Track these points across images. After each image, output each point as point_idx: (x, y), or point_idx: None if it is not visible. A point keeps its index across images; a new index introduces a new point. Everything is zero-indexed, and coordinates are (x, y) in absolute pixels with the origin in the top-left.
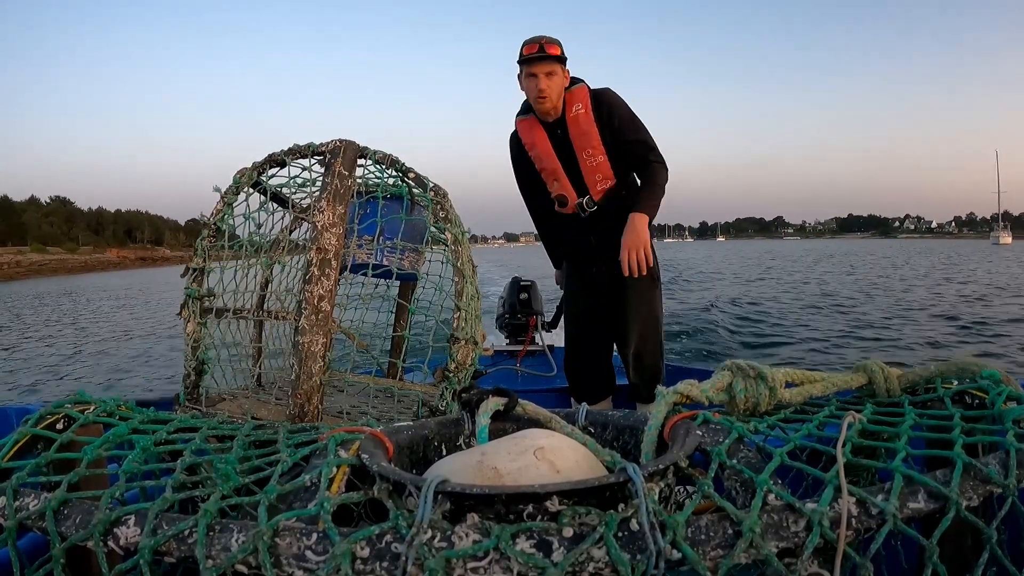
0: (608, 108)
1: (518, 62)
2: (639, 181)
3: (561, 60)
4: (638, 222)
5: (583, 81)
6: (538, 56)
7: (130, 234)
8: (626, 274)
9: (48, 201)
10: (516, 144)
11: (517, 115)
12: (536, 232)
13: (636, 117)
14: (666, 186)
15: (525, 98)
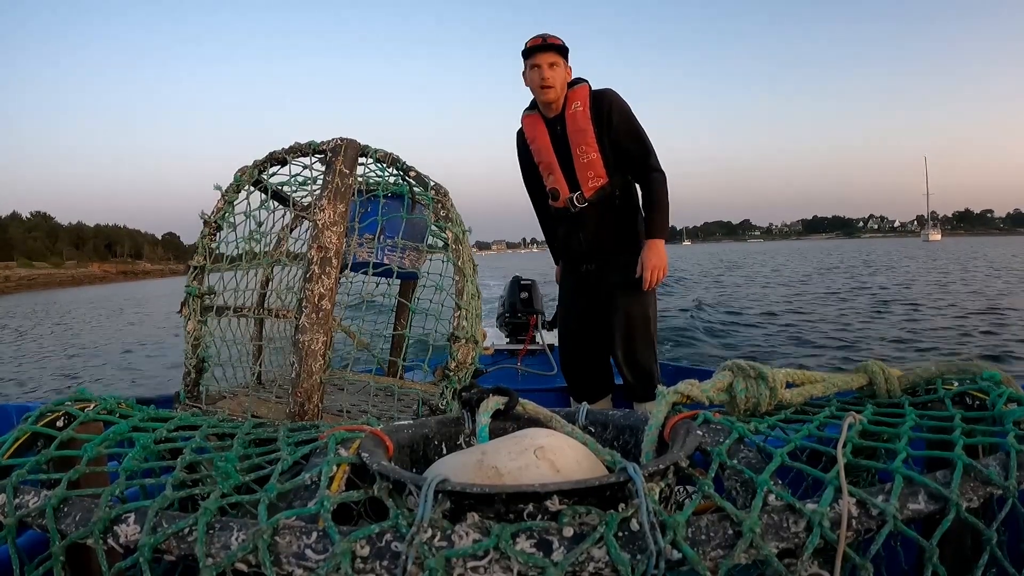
0: (608, 108)
1: (522, 54)
2: (640, 196)
3: (563, 51)
4: (659, 246)
5: (585, 81)
6: (541, 46)
7: (110, 248)
8: (645, 287)
9: (29, 216)
10: (520, 138)
11: (524, 111)
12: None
13: (635, 120)
14: (668, 195)
15: (533, 98)
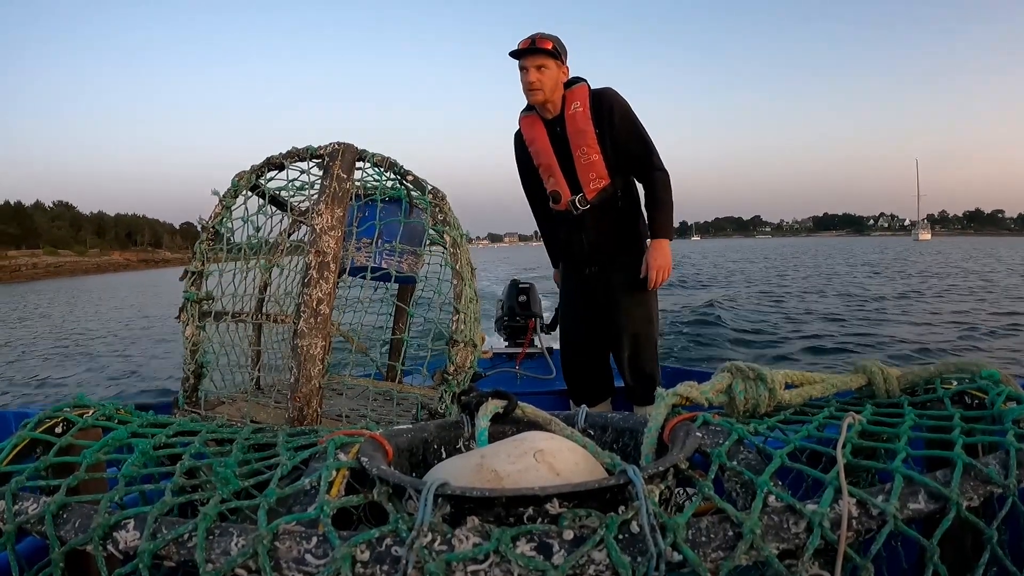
0: (609, 108)
1: (510, 55)
2: (643, 195)
3: (553, 54)
4: (664, 246)
5: (584, 80)
6: (527, 49)
7: (130, 237)
8: (650, 287)
9: (52, 206)
10: (518, 140)
11: (521, 112)
12: (521, 234)
13: (636, 119)
14: (672, 194)
15: None
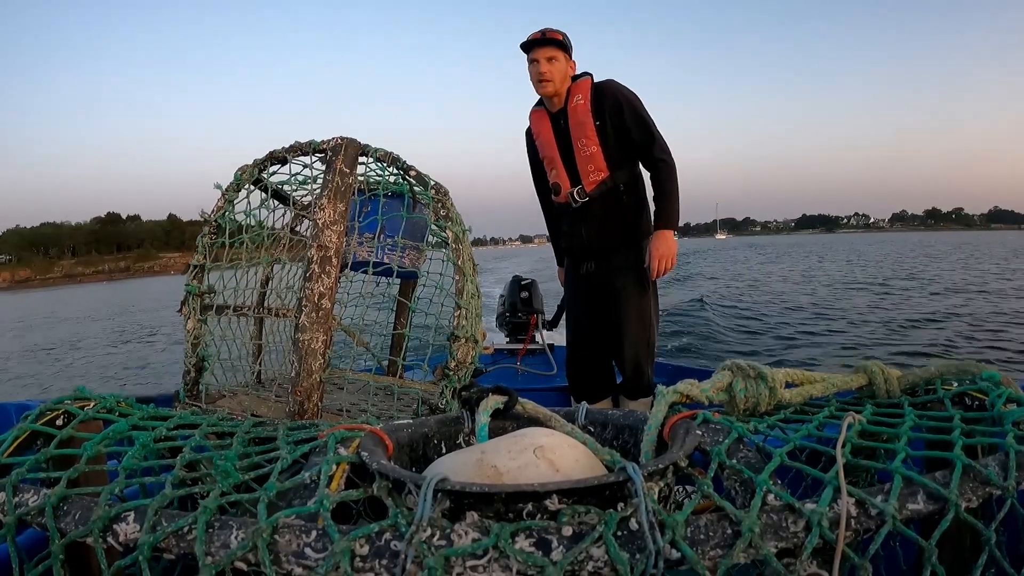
0: (611, 99)
1: (521, 47)
2: (651, 186)
3: (563, 46)
4: (668, 236)
5: (590, 74)
6: (538, 41)
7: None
8: (653, 277)
9: (126, 215)
10: (528, 135)
11: (532, 108)
12: (546, 235)
13: (639, 106)
14: (678, 183)
15: None
